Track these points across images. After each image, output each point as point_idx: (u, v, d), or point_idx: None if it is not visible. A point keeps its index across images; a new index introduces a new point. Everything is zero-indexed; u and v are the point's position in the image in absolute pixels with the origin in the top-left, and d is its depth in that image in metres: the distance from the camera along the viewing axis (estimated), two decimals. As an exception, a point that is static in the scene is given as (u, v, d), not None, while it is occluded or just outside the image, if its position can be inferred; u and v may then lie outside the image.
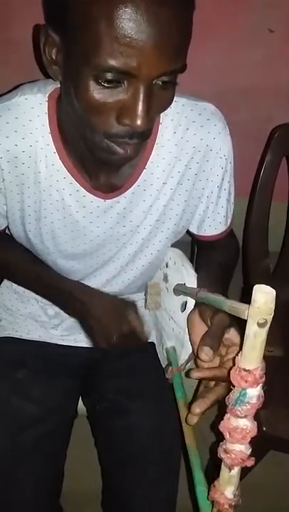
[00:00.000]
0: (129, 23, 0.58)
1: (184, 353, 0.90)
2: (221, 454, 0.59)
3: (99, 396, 1.03)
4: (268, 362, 0.55)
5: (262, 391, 0.55)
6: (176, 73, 0.65)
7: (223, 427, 0.58)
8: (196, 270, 0.95)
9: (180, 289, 0.92)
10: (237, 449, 0.58)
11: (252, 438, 0.58)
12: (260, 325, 0.50)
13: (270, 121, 1.19)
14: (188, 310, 0.85)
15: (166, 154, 0.84)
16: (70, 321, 1.06)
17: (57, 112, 0.79)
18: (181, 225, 0.93)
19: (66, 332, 1.07)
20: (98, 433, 1.04)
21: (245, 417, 0.56)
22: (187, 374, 0.76)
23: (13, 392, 0.96)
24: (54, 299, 1.00)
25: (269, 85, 1.20)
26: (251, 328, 0.50)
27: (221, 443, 0.60)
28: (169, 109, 0.72)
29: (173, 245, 0.98)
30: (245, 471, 0.61)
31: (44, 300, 1.05)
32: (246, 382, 0.53)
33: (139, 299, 1.06)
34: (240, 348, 0.53)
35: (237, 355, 0.55)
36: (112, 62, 0.60)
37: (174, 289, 0.95)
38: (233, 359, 0.56)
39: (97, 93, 0.64)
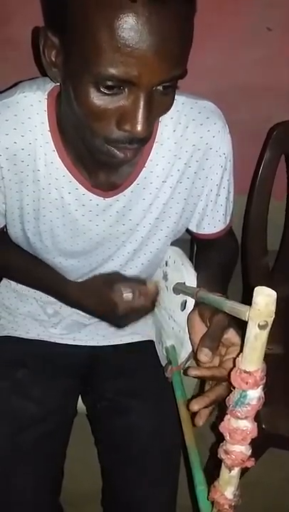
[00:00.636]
0: (130, 32, 0.57)
1: (184, 352, 0.89)
2: (221, 455, 0.59)
3: (99, 395, 1.03)
4: (267, 360, 0.55)
5: (262, 392, 0.55)
6: (176, 79, 0.65)
7: (223, 427, 0.58)
8: (195, 268, 0.94)
9: (180, 288, 0.91)
10: (237, 450, 0.58)
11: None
12: (261, 327, 0.49)
13: (269, 121, 1.19)
14: (188, 309, 0.85)
15: (166, 152, 0.84)
16: (70, 320, 1.06)
17: (56, 110, 0.79)
18: (180, 223, 0.93)
19: (65, 331, 1.07)
20: (98, 432, 1.04)
21: (246, 418, 0.56)
22: (185, 372, 0.76)
23: (13, 391, 0.96)
24: (49, 294, 1.01)
25: (269, 85, 1.19)
26: (252, 331, 0.50)
27: (221, 444, 0.60)
28: None
29: (172, 243, 0.98)
30: (244, 469, 0.61)
31: (43, 299, 1.05)
32: (247, 384, 0.53)
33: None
34: (241, 350, 0.53)
35: (237, 356, 0.54)
36: (113, 71, 0.60)
37: (173, 288, 0.94)
38: (233, 360, 0.56)
39: (98, 99, 0.63)
